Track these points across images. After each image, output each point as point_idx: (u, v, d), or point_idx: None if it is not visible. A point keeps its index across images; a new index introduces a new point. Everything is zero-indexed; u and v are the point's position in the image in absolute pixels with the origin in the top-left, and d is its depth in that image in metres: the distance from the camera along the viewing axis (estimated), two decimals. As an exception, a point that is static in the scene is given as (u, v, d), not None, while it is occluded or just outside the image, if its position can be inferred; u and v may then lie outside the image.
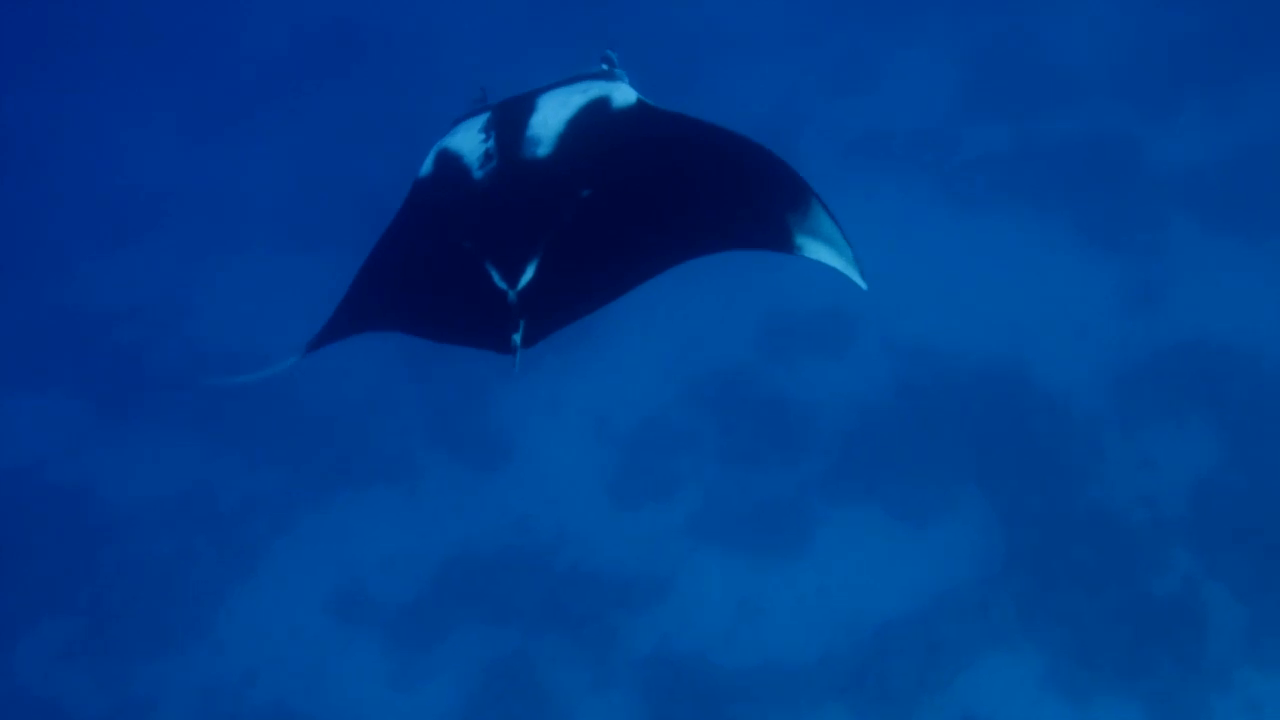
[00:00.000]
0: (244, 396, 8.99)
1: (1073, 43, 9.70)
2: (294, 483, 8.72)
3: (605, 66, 3.32)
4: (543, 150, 2.77)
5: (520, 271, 2.58)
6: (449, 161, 2.92)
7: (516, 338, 2.53)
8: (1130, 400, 7.44)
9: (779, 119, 9.86)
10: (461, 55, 11.87)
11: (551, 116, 2.84)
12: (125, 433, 9.42)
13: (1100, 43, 9.62)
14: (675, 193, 2.70)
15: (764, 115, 9.76)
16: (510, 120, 2.90)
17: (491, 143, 2.86)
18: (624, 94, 2.96)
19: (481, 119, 2.99)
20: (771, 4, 11.58)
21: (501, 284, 2.58)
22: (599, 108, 2.89)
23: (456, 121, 3.12)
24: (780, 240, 2.59)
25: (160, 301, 10.49)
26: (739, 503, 7.69)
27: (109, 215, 11.64)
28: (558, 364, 8.76)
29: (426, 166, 2.98)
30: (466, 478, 8.44)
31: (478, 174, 2.82)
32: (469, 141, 2.92)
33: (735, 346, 8.47)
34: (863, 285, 2.53)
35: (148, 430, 9.35)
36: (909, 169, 9.28)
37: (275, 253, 10.38)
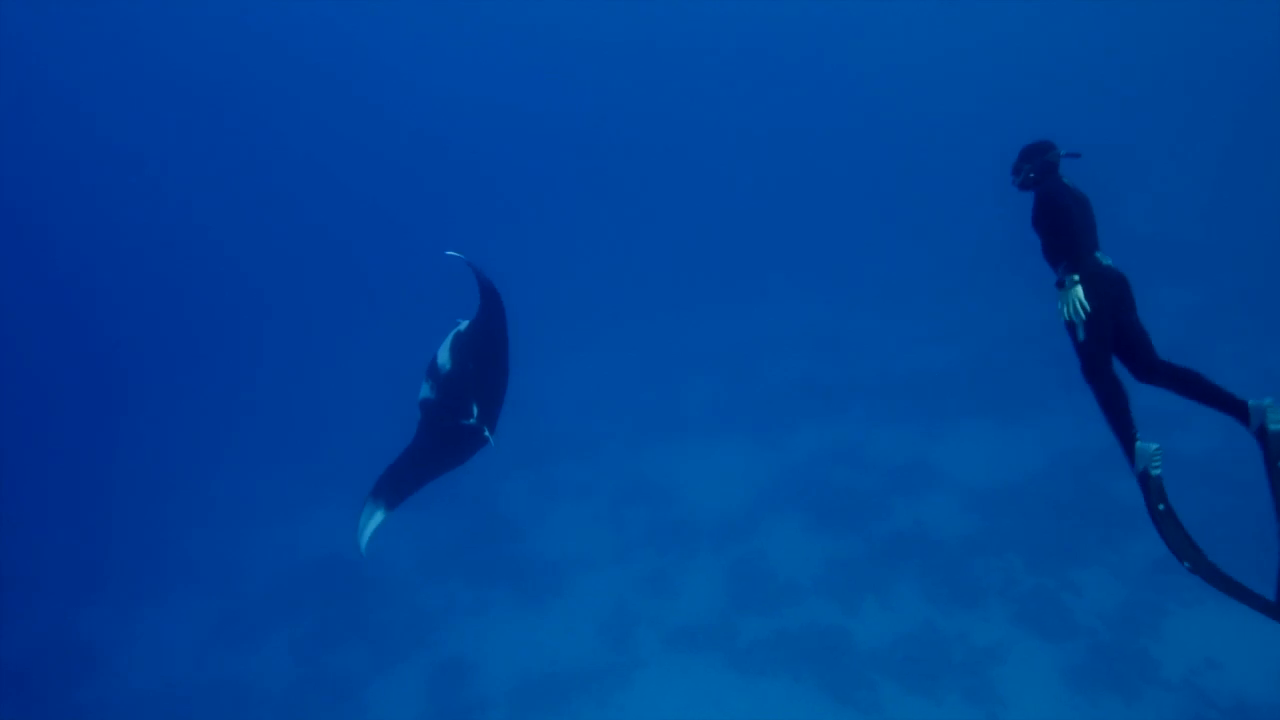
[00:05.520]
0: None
1: None
2: None
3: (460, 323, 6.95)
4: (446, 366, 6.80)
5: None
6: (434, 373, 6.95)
7: (486, 430, 6.56)
8: None
9: None
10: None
11: (441, 352, 6.83)
12: None
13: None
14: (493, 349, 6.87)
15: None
16: (434, 359, 6.90)
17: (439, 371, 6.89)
18: (460, 327, 6.88)
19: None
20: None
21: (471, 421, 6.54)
22: (455, 336, 6.90)
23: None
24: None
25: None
26: None
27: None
28: None
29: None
30: None
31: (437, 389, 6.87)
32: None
33: None
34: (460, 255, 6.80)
35: None
36: None
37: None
